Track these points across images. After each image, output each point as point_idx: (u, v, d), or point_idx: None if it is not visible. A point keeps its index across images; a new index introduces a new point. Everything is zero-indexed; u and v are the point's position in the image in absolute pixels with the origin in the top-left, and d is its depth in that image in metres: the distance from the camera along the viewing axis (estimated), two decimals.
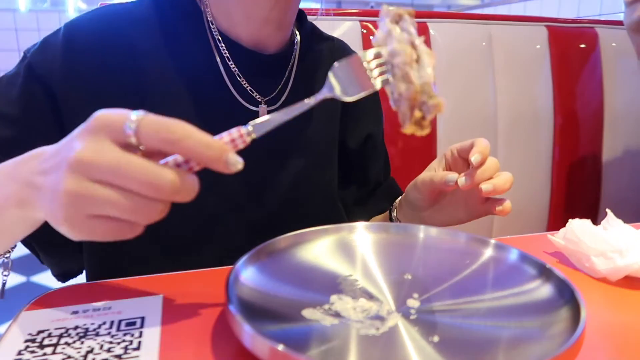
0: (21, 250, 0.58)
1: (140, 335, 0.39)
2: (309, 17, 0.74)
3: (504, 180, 0.61)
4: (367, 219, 0.79)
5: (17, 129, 0.57)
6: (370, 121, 0.79)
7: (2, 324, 1.88)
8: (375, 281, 0.46)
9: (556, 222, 1.27)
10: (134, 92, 0.60)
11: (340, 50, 0.76)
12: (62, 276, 0.68)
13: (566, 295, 0.41)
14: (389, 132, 0.87)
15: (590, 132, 1.29)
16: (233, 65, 0.63)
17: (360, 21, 1.08)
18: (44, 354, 0.36)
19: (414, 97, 0.41)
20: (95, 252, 0.61)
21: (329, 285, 0.44)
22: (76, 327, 0.40)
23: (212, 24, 0.63)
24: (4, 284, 0.53)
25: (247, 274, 0.44)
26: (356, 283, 0.45)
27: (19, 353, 0.36)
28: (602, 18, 1.64)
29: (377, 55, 0.43)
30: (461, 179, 0.61)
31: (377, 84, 0.43)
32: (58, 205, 0.35)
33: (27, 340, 0.38)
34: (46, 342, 0.38)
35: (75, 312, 0.42)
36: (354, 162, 0.78)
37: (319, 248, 0.51)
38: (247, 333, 0.34)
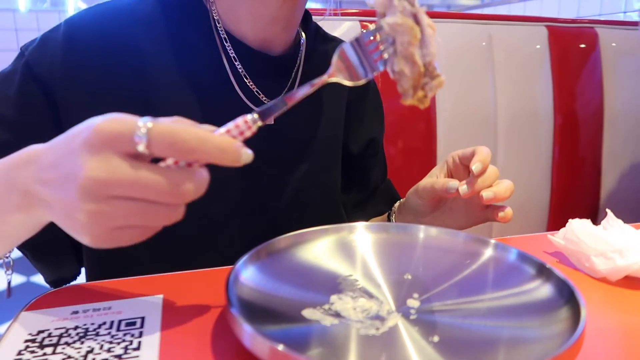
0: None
1: (140, 335, 0.39)
2: (316, 18, 0.73)
3: (505, 188, 0.61)
4: (366, 221, 0.80)
5: (13, 131, 0.56)
6: (373, 125, 0.79)
7: (2, 324, 1.88)
8: (375, 281, 0.46)
9: (556, 222, 1.27)
10: (137, 93, 0.59)
11: None
12: (54, 283, 0.66)
13: (566, 295, 0.41)
14: (389, 132, 0.86)
15: (590, 132, 1.29)
16: (239, 66, 0.62)
17: (360, 21, 1.08)
18: (44, 354, 0.36)
19: (418, 78, 0.40)
20: (95, 253, 0.61)
21: (329, 285, 0.44)
22: (76, 327, 0.40)
23: (219, 23, 0.62)
24: (9, 283, 0.53)
25: (247, 274, 0.44)
26: (356, 283, 0.45)
27: (19, 353, 0.36)
28: (602, 18, 1.64)
29: (378, 29, 0.42)
30: (462, 187, 0.61)
31: (380, 66, 0.42)
32: (79, 226, 0.35)
33: (27, 340, 0.38)
34: (46, 342, 0.38)
35: (75, 312, 0.42)
36: (355, 165, 0.78)
37: (319, 248, 0.51)
38: (247, 333, 0.34)
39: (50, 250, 0.60)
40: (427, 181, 0.66)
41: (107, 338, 0.38)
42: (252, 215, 0.63)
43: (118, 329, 0.39)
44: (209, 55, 0.62)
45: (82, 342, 0.38)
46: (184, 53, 0.61)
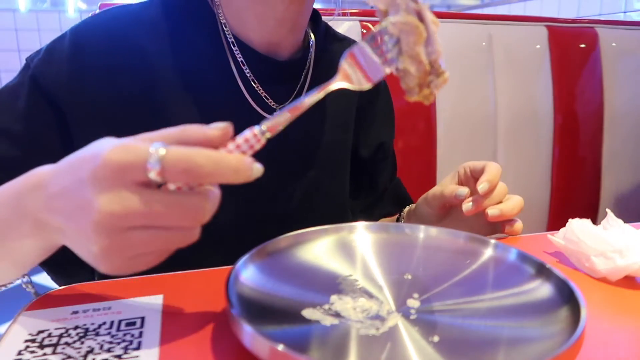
0: None
1: (140, 335, 0.39)
2: (325, 18, 0.72)
3: (512, 205, 0.60)
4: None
5: (22, 146, 0.55)
6: (383, 129, 0.78)
7: (2, 324, 1.88)
8: (375, 281, 0.46)
9: (556, 222, 1.27)
10: (145, 102, 0.58)
11: None
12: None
13: (566, 295, 0.41)
14: None
15: (590, 132, 1.29)
16: (247, 70, 0.61)
17: (360, 21, 1.08)
18: (44, 354, 0.36)
19: (424, 77, 0.40)
20: None
21: (329, 285, 0.44)
22: (76, 327, 0.40)
23: (225, 27, 0.61)
24: (33, 286, 0.52)
25: (247, 274, 0.44)
26: (356, 283, 0.45)
27: (19, 353, 0.36)
28: (602, 18, 1.64)
29: (383, 30, 0.41)
30: (467, 204, 0.61)
31: (386, 69, 0.41)
32: (93, 257, 0.34)
33: (27, 340, 0.38)
34: (46, 342, 0.38)
35: (75, 312, 0.42)
36: (364, 170, 0.77)
37: (319, 248, 0.51)
38: (247, 333, 0.34)
39: (66, 262, 0.60)
40: (437, 188, 0.66)
41: (107, 338, 0.38)
42: (259, 221, 0.62)
43: (118, 329, 0.39)
44: (216, 59, 0.61)
45: (82, 342, 0.38)
46: (191, 58, 0.60)
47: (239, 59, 0.61)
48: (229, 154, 0.34)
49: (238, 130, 0.63)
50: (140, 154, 0.32)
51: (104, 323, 0.40)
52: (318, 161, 0.68)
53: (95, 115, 0.56)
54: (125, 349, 0.37)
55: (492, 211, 0.59)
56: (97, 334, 0.39)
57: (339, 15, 0.85)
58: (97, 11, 0.97)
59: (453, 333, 0.38)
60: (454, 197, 0.62)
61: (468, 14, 1.26)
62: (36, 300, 0.45)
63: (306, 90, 0.66)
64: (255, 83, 0.62)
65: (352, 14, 1.09)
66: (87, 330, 0.39)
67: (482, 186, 0.59)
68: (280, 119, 0.38)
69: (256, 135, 0.37)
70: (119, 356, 0.36)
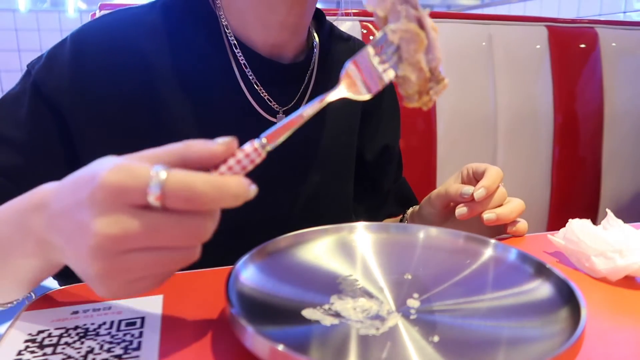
0: None
1: (140, 335, 0.39)
2: (329, 19, 0.71)
3: (510, 209, 0.60)
4: None
5: (25, 154, 0.55)
6: (389, 132, 0.78)
7: (2, 324, 1.89)
8: (375, 281, 0.46)
9: (556, 222, 1.27)
10: (147, 105, 0.57)
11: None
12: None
13: (566, 295, 0.41)
14: None
15: (590, 132, 1.29)
16: (250, 73, 0.61)
17: (360, 21, 1.08)
18: (44, 354, 0.36)
19: (424, 84, 0.40)
20: None
21: (329, 285, 0.44)
22: (76, 327, 0.40)
23: (227, 29, 0.60)
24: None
25: (247, 274, 0.44)
26: (356, 283, 0.45)
27: (19, 353, 0.36)
28: (602, 18, 1.64)
29: (383, 38, 0.40)
30: (460, 209, 0.60)
31: (387, 77, 0.41)
32: (91, 280, 0.34)
33: (27, 340, 0.38)
34: (46, 342, 0.38)
35: (75, 312, 0.42)
36: (369, 173, 0.76)
37: (319, 248, 0.51)
38: (247, 333, 0.34)
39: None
40: (441, 188, 0.66)
41: (107, 338, 0.38)
42: (261, 225, 0.62)
43: (118, 329, 0.39)
44: (218, 61, 0.60)
45: (82, 342, 0.38)
46: (193, 60, 0.60)
47: (242, 61, 0.61)
48: (228, 177, 0.34)
49: (237, 131, 0.63)
50: (139, 176, 0.31)
51: (104, 323, 0.40)
52: (322, 165, 0.67)
53: (97, 120, 0.56)
54: (125, 349, 0.37)
55: (487, 215, 0.59)
56: (97, 334, 0.39)
57: (342, 15, 0.84)
58: (97, 11, 0.97)
59: (453, 333, 0.38)
60: (459, 196, 0.61)
61: (468, 14, 1.26)
62: (36, 300, 0.45)
63: (310, 92, 0.65)
64: (257, 85, 0.61)
65: (352, 14, 1.09)
66: (87, 330, 0.39)
67: (478, 192, 0.59)
68: (280, 131, 0.37)
69: (257, 149, 0.36)
70: (119, 356, 0.36)
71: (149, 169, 0.31)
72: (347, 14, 1.02)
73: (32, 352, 0.37)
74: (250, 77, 0.61)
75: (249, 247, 0.46)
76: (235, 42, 0.60)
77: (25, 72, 0.58)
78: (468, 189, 0.61)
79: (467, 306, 0.42)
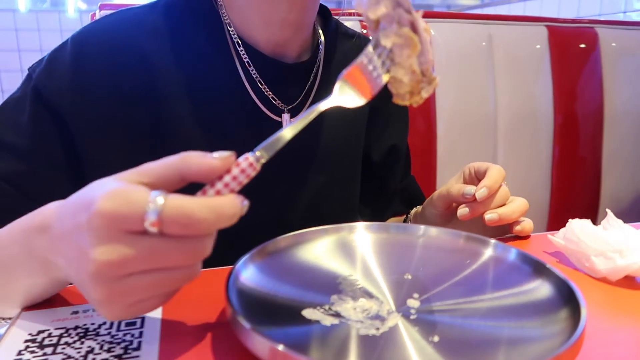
0: None
1: (140, 335, 0.39)
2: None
3: (513, 209, 0.59)
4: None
5: (27, 160, 0.54)
6: (395, 132, 0.77)
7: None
8: (375, 281, 0.46)
9: (556, 222, 1.27)
10: (149, 106, 0.57)
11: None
12: None
13: (566, 295, 0.41)
14: None
15: (590, 132, 1.29)
16: (254, 71, 0.60)
17: (360, 21, 1.08)
18: (44, 354, 0.36)
19: (416, 85, 0.40)
20: None
21: (329, 285, 0.44)
22: (76, 327, 0.40)
23: (230, 27, 0.60)
24: None
25: (247, 274, 0.44)
26: (356, 283, 0.45)
27: (19, 353, 0.36)
28: (602, 18, 1.64)
29: (377, 45, 0.40)
30: (462, 210, 0.60)
31: (382, 81, 0.41)
32: (93, 304, 0.34)
33: (27, 340, 0.38)
34: (46, 342, 0.38)
35: (75, 312, 0.42)
36: (375, 173, 0.76)
37: (319, 248, 0.51)
38: (247, 333, 0.34)
39: None
40: (443, 188, 0.65)
41: (107, 338, 0.38)
42: (265, 229, 0.61)
43: (118, 329, 0.39)
44: (221, 60, 0.60)
45: (82, 342, 0.38)
46: (196, 59, 0.59)
47: (245, 60, 0.60)
48: (224, 199, 0.33)
49: (242, 132, 0.62)
50: (136, 203, 0.31)
51: (104, 323, 0.40)
52: (327, 166, 0.66)
53: (98, 122, 0.56)
54: (125, 349, 0.37)
55: (489, 215, 0.58)
56: (97, 334, 0.39)
57: (343, 15, 0.84)
58: (97, 11, 0.97)
59: (453, 333, 0.38)
60: (461, 196, 0.61)
61: (468, 14, 1.26)
62: None
63: (315, 90, 0.64)
64: (262, 84, 0.61)
65: (352, 14, 1.09)
66: (87, 330, 0.39)
67: (480, 192, 0.58)
68: (274, 144, 0.37)
69: (252, 164, 0.35)
70: (119, 356, 0.36)
71: (146, 194, 0.31)
72: (351, 14, 1.01)
73: (32, 352, 0.37)
74: (254, 76, 0.60)
75: (250, 248, 0.46)
76: (238, 40, 0.60)
77: (26, 77, 0.58)
78: (470, 188, 0.60)
79: (467, 306, 0.42)
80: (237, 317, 0.35)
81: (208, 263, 0.53)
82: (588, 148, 1.29)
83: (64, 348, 0.37)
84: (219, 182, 0.34)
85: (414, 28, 0.39)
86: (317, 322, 0.39)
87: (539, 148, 1.25)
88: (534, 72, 1.23)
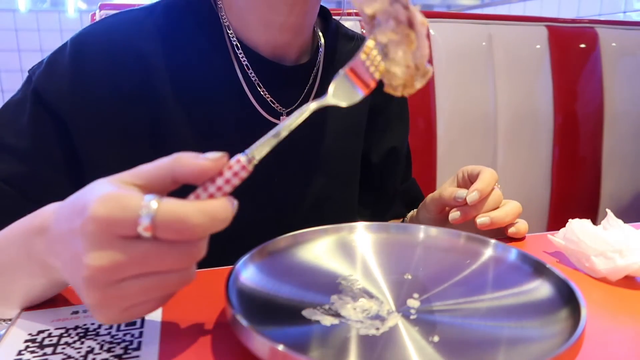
0: None
1: (140, 335, 0.39)
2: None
3: (505, 212, 0.58)
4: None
5: (27, 162, 0.54)
6: (395, 134, 0.76)
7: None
8: (375, 281, 0.46)
9: (556, 222, 1.27)
10: (148, 110, 0.57)
11: None
12: None
13: (566, 295, 0.41)
14: None
15: (590, 132, 1.29)
16: (252, 74, 0.60)
17: (360, 21, 1.08)
18: (44, 354, 0.36)
19: (410, 79, 0.39)
20: None
21: (329, 285, 0.44)
22: (76, 327, 0.40)
23: (229, 29, 0.60)
24: None
25: (247, 274, 0.44)
26: (356, 283, 0.45)
27: (19, 353, 0.36)
28: (602, 18, 1.64)
29: (376, 43, 0.39)
30: (454, 214, 0.59)
31: (376, 76, 0.40)
32: (89, 308, 0.34)
33: (27, 340, 0.38)
34: (46, 342, 0.38)
35: (75, 312, 0.42)
36: (375, 175, 0.76)
37: (319, 248, 0.51)
38: (247, 333, 0.34)
39: None
40: (435, 192, 0.65)
41: (107, 338, 0.38)
42: (264, 231, 0.61)
43: (118, 329, 0.39)
44: (220, 63, 0.60)
45: (82, 342, 0.38)
46: (195, 62, 0.59)
47: (244, 62, 0.60)
48: (216, 203, 0.33)
49: (239, 134, 0.62)
50: (129, 207, 0.31)
51: None
52: (326, 168, 0.66)
53: (97, 123, 0.56)
54: (125, 349, 0.37)
55: (481, 220, 0.57)
56: (97, 334, 0.39)
57: (344, 15, 0.83)
58: (97, 11, 0.97)
59: (453, 333, 0.38)
60: (453, 200, 0.60)
61: (468, 14, 1.26)
62: None
63: (314, 93, 0.64)
64: (260, 87, 0.60)
65: (352, 14, 1.09)
66: (87, 330, 0.39)
67: (471, 195, 0.58)
68: (265, 145, 0.36)
69: (244, 166, 0.35)
70: (119, 356, 0.36)
71: (139, 199, 0.31)
72: (350, 14, 1.01)
73: (32, 352, 0.37)
74: (253, 79, 0.60)
75: (250, 248, 0.46)
76: (237, 42, 0.60)
77: (27, 79, 0.58)
78: (462, 192, 0.60)
79: (467, 306, 0.42)
80: (237, 317, 0.35)
81: (208, 263, 0.53)
82: (588, 148, 1.29)
83: (64, 348, 0.37)
84: (212, 186, 0.34)
85: (410, 23, 0.38)
86: (317, 322, 0.39)
87: (539, 148, 1.25)
88: (534, 72, 1.23)
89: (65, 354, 0.36)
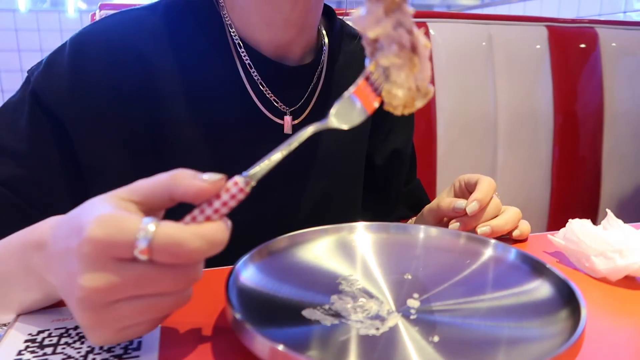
0: None
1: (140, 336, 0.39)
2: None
3: (505, 220, 0.58)
4: None
5: (25, 164, 0.54)
6: (399, 136, 0.76)
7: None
8: (375, 281, 0.46)
9: (556, 222, 1.27)
10: (149, 110, 0.56)
11: None
12: None
13: (566, 295, 0.41)
14: None
15: (590, 132, 1.29)
16: (255, 73, 0.59)
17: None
18: (44, 354, 0.36)
19: (411, 101, 0.39)
20: None
21: (329, 285, 0.44)
22: (76, 327, 0.40)
23: (231, 28, 0.59)
24: None
25: (247, 274, 0.44)
26: (356, 283, 0.45)
27: (19, 353, 0.36)
28: (602, 18, 1.64)
29: (377, 68, 0.38)
30: (454, 225, 0.59)
31: (376, 101, 0.39)
32: (83, 329, 0.34)
33: (27, 340, 0.38)
34: (46, 342, 0.38)
35: None
36: (378, 177, 0.75)
37: (319, 248, 0.51)
38: (247, 333, 0.34)
39: None
40: (433, 202, 0.64)
41: None
42: (267, 232, 0.61)
43: None
44: (222, 63, 0.59)
45: (82, 342, 0.38)
46: (197, 62, 0.58)
47: (246, 61, 0.59)
48: (214, 227, 0.33)
49: (243, 135, 0.61)
50: (126, 230, 0.31)
51: None
52: (329, 170, 0.66)
53: (97, 125, 0.55)
54: (125, 349, 0.37)
55: (482, 229, 0.57)
56: None
57: (347, 15, 0.83)
58: (97, 11, 0.97)
59: (453, 333, 0.38)
60: (452, 210, 0.60)
61: (468, 14, 1.26)
62: None
63: (318, 93, 0.64)
64: (263, 86, 0.60)
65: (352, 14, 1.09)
66: None
67: (471, 206, 0.57)
68: (263, 168, 0.36)
69: (242, 189, 0.35)
70: (119, 356, 0.36)
71: (137, 221, 0.31)
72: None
73: (32, 352, 0.37)
74: (255, 78, 0.60)
75: (250, 249, 0.46)
76: (239, 41, 0.59)
77: (25, 80, 0.57)
78: (461, 202, 0.59)
79: (467, 306, 0.42)
80: (237, 317, 0.35)
81: (208, 263, 0.53)
82: (588, 148, 1.29)
83: (64, 348, 0.37)
84: (209, 208, 0.34)
85: (414, 48, 0.37)
86: (317, 322, 0.39)
87: (539, 148, 1.25)
88: (534, 72, 1.23)
89: (65, 354, 0.36)
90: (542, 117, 1.24)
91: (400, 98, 0.39)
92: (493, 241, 0.51)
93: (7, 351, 0.37)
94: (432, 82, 1.14)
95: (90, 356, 0.36)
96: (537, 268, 0.46)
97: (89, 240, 0.30)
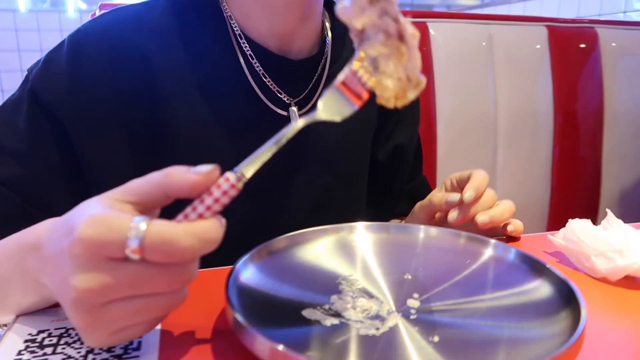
0: None
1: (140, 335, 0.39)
2: None
3: (502, 210, 0.58)
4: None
5: (24, 163, 0.54)
6: (403, 132, 0.75)
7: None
8: (375, 281, 0.46)
9: (556, 222, 1.27)
10: (149, 107, 0.56)
11: None
12: None
13: (566, 295, 0.41)
14: None
15: (590, 132, 1.29)
16: (257, 65, 0.59)
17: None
18: (44, 354, 0.36)
19: (402, 91, 0.39)
20: None
21: (329, 285, 0.44)
22: None
23: (232, 20, 0.58)
24: None
25: (247, 274, 0.44)
26: (356, 283, 0.45)
27: (19, 353, 0.36)
28: (602, 18, 1.64)
29: (366, 57, 0.38)
30: (452, 214, 0.59)
31: (366, 92, 0.39)
32: (78, 330, 0.33)
33: (27, 340, 0.38)
34: (46, 342, 0.38)
35: None
36: (380, 173, 0.75)
37: (319, 248, 0.51)
38: (247, 333, 0.34)
39: None
40: (425, 200, 0.64)
41: None
42: (267, 229, 0.59)
43: None
44: (223, 55, 0.58)
45: (82, 342, 0.38)
46: (197, 55, 0.58)
47: (248, 52, 0.58)
48: (207, 225, 0.32)
49: (248, 130, 0.61)
50: (117, 230, 0.30)
51: None
52: (332, 167, 0.65)
53: (96, 123, 0.55)
54: (125, 349, 0.37)
55: (481, 218, 0.57)
56: None
57: None
58: (97, 11, 0.97)
59: (453, 333, 0.38)
60: (445, 204, 0.60)
61: (468, 14, 1.26)
62: None
63: (322, 84, 0.63)
64: (265, 77, 0.59)
65: None
66: None
67: (467, 194, 0.57)
68: (254, 163, 0.35)
69: (234, 185, 0.34)
70: (119, 356, 0.36)
71: (128, 220, 0.31)
72: None
73: (32, 352, 0.37)
74: (258, 69, 0.59)
75: (250, 249, 0.46)
76: (240, 33, 0.58)
77: (24, 78, 0.57)
78: (454, 196, 0.59)
79: (467, 306, 0.42)
80: (237, 317, 0.35)
81: (208, 263, 0.53)
82: (588, 148, 1.29)
83: (64, 348, 0.37)
84: (201, 206, 0.33)
85: (401, 36, 0.37)
86: (317, 322, 0.39)
87: (539, 148, 1.25)
88: (534, 72, 1.23)
89: (65, 354, 0.36)
90: (542, 117, 1.24)
91: (390, 89, 0.38)
92: (493, 241, 0.51)
93: (7, 351, 0.37)
94: (432, 82, 1.14)
95: (90, 356, 0.36)
96: (537, 268, 0.46)
97: (80, 241, 0.30)
